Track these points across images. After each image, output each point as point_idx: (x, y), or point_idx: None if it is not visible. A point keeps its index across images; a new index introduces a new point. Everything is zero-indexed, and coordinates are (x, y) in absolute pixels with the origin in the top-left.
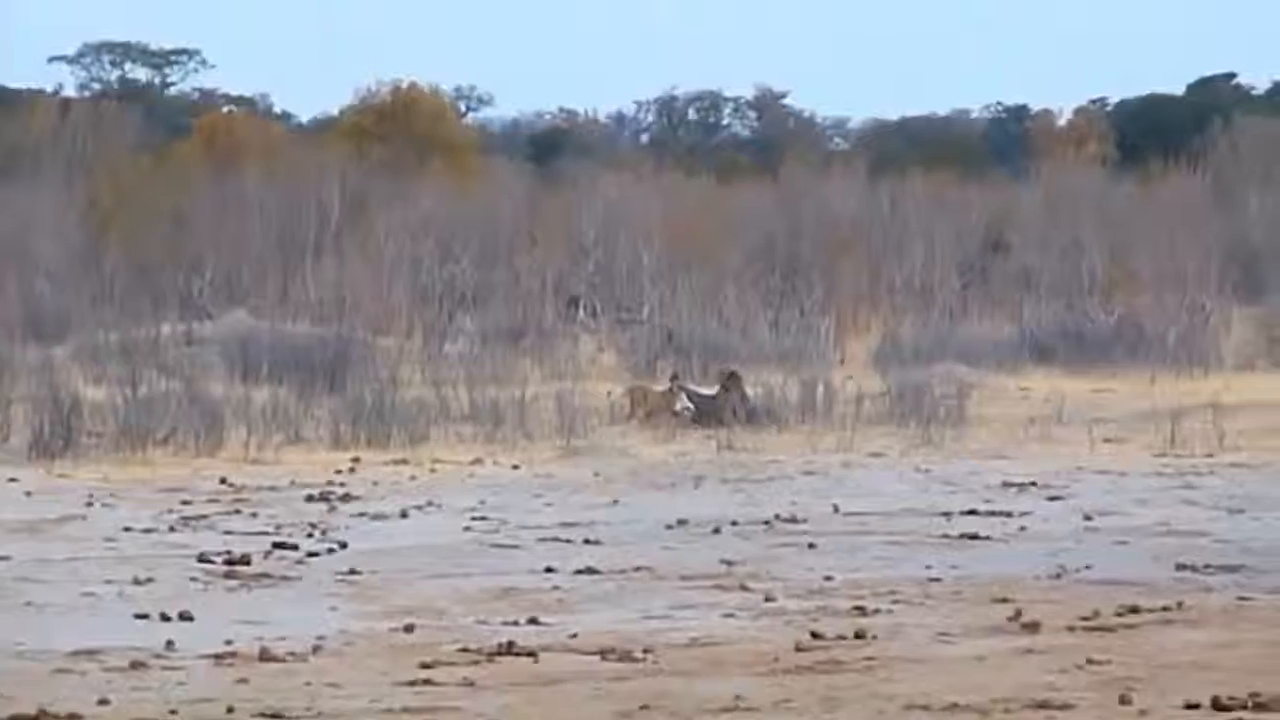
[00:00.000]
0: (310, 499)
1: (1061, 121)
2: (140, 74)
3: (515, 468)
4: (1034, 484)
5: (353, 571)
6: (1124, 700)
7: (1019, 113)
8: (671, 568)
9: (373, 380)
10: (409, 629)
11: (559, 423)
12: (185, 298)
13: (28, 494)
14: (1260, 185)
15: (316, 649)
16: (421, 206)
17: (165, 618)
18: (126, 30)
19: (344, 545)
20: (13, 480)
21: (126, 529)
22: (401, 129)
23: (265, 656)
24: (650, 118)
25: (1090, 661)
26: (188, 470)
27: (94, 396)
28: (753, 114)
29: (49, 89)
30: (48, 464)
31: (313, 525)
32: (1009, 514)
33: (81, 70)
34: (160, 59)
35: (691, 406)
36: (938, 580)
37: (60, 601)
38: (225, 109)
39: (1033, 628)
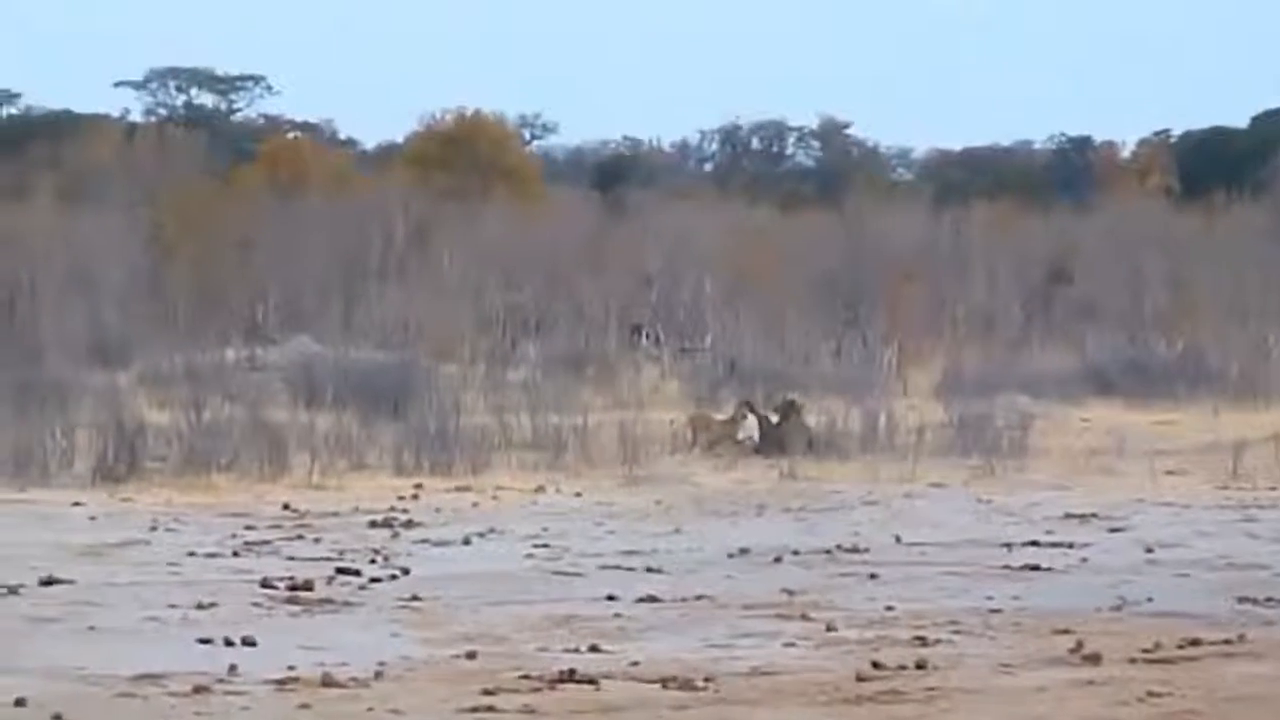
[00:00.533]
0: (373, 525)
1: (1125, 153)
2: (206, 99)
3: (577, 495)
4: (1095, 515)
5: (415, 598)
6: None
7: (1082, 144)
8: (733, 596)
9: (436, 407)
10: (471, 655)
11: (621, 451)
12: (249, 323)
13: (92, 518)
14: None
15: (378, 675)
16: (485, 234)
17: (228, 642)
18: (192, 56)
19: (406, 571)
20: (77, 504)
21: (190, 553)
22: (465, 156)
23: (327, 682)
24: (714, 147)
25: (1151, 694)
26: (251, 495)
27: (158, 421)
28: (816, 144)
29: (115, 114)
30: (112, 488)
31: (375, 551)
32: (1070, 545)
33: (148, 95)
34: (226, 84)
35: (755, 434)
36: (999, 611)
37: (123, 625)
38: (290, 135)
39: (1093, 659)
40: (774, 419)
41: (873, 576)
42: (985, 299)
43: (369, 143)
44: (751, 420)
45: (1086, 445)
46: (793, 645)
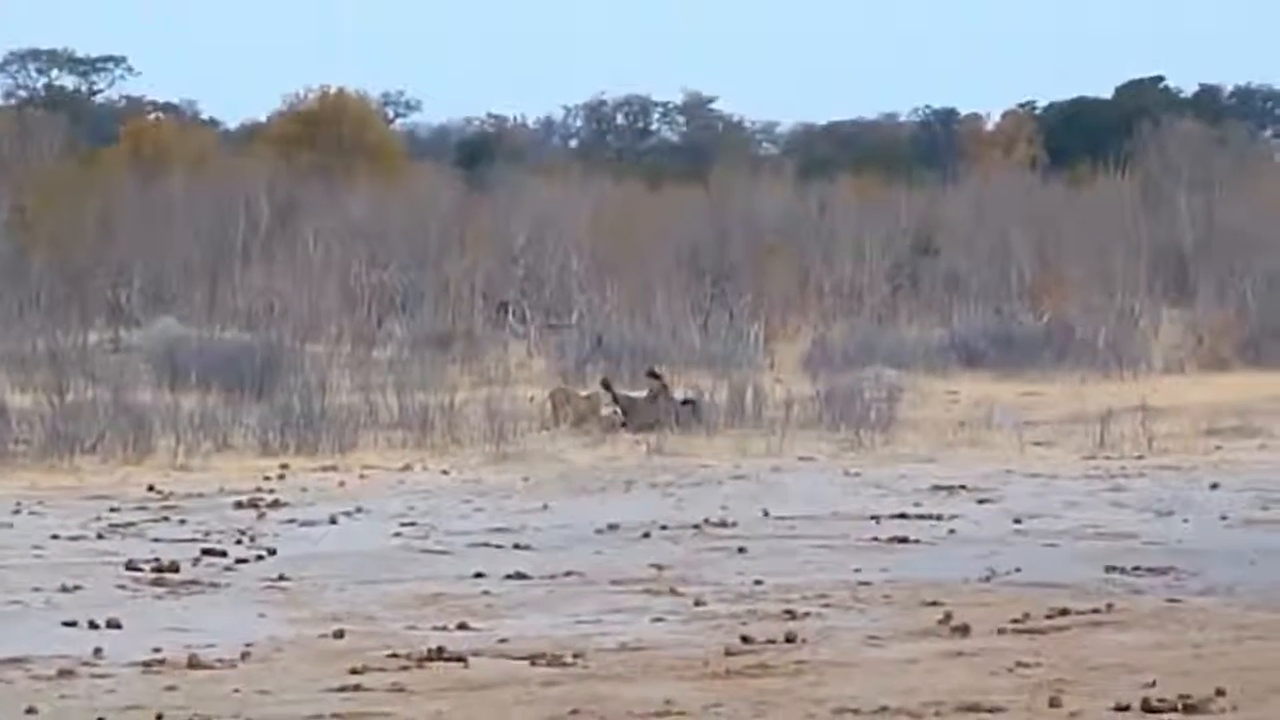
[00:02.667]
0: (239, 506)
1: (990, 125)
2: (67, 81)
3: (444, 473)
4: (963, 487)
5: (282, 578)
6: (1054, 703)
7: (947, 116)
8: (601, 572)
9: (301, 387)
10: (338, 635)
11: (488, 428)
12: (113, 305)
13: None
14: (1188, 188)
15: (245, 656)
16: (350, 213)
17: (93, 625)
18: (53, 37)
19: (273, 552)
20: None
21: (54, 536)
22: (329, 135)
23: (194, 664)
24: (579, 123)
25: (1020, 664)
26: (116, 478)
27: (21, 404)
28: (681, 119)
29: None
30: None
31: (241, 532)
32: (939, 517)
33: (7, 78)
34: (87, 66)
35: (618, 409)
36: (868, 584)
37: None
38: (152, 116)
39: (963, 631)
40: (638, 396)
41: (741, 551)
42: (851, 273)
43: (232, 123)
44: (606, 397)
45: (954, 417)
46: (661, 620)
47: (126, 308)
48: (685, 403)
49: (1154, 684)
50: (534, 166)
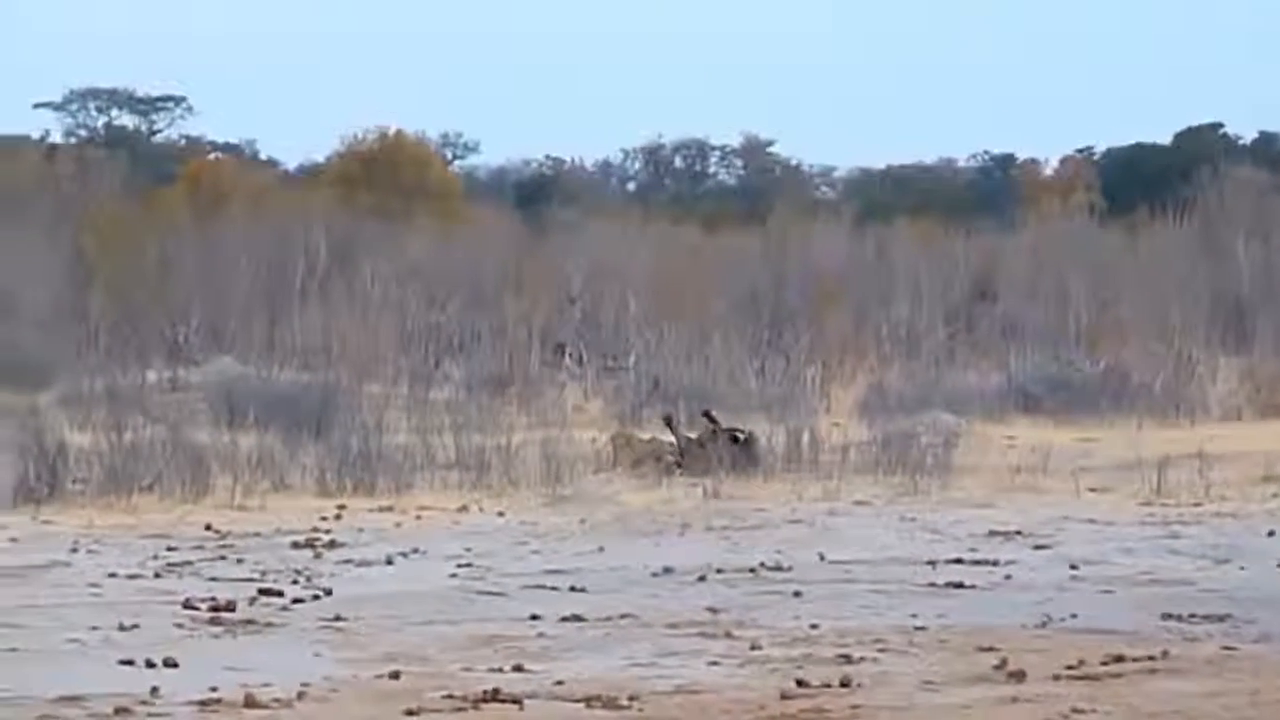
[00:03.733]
0: (295, 546)
1: (1048, 170)
2: (126, 120)
3: (500, 515)
4: (1019, 533)
5: (338, 618)
6: None
7: (1005, 162)
8: (657, 615)
9: (359, 427)
10: (394, 676)
11: (544, 470)
12: (171, 344)
13: (13, 540)
14: (1247, 235)
15: (301, 695)
16: (408, 253)
17: (150, 664)
18: (113, 77)
19: (329, 592)
20: None
21: (111, 575)
22: (388, 176)
23: (250, 703)
24: (637, 166)
25: (1075, 710)
26: (173, 516)
27: (79, 443)
28: (739, 162)
29: (35, 135)
30: (33, 510)
31: (298, 572)
32: (994, 563)
33: (68, 117)
34: (146, 105)
35: (678, 447)
36: (923, 629)
37: (44, 648)
38: (211, 155)
39: (1018, 676)
40: (690, 436)
41: (797, 594)
42: (909, 317)
43: (291, 163)
44: (668, 435)
45: (1011, 463)
46: (717, 664)
47: (185, 347)
48: (734, 440)
49: None
50: (592, 209)
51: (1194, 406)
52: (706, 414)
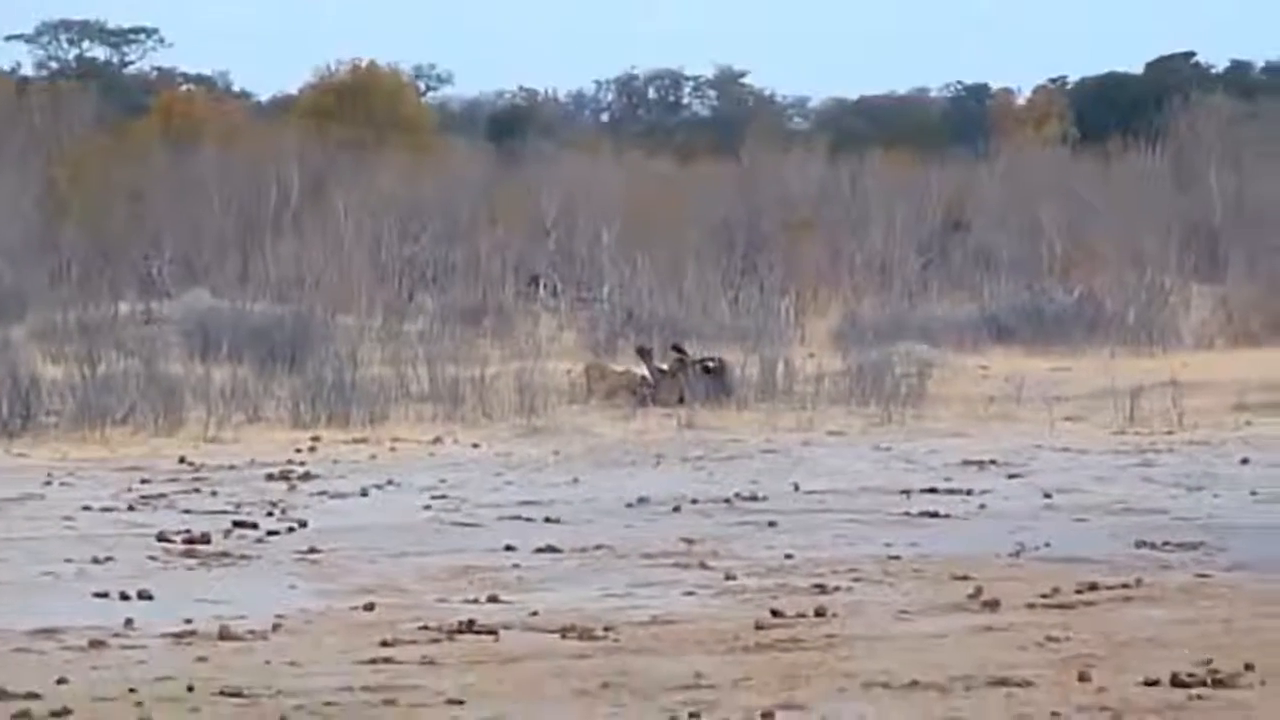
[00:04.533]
0: (270, 478)
1: (1021, 100)
2: (98, 53)
3: (475, 446)
4: (993, 462)
5: (312, 550)
6: (1083, 677)
7: (978, 92)
8: (631, 546)
9: (333, 359)
10: (369, 607)
11: (519, 402)
12: (144, 277)
13: None
14: (1219, 164)
15: (276, 627)
16: (381, 186)
17: (124, 596)
18: (84, 8)
19: (304, 524)
20: None
21: (85, 508)
22: (360, 108)
23: (225, 635)
24: (610, 97)
25: (1049, 639)
26: (147, 449)
27: (52, 375)
28: (713, 93)
29: (6, 68)
30: (6, 443)
31: (272, 504)
32: (969, 492)
33: (39, 49)
34: (118, 37)
35: (651, 378)
36: (897, 558)
37: (18, 580)
38: (184, 87)
39: (992, 605)
40: (661, 368)
41: (771, 525)
42: (882, 248)
43: (263, 95)
44: (642, 365)
45: (984, 392)
46: (692, 594)
47: (158, 279)
48: (706, 370)
49: (1183, 659)
50: (565, 140)
51: (1167, 335)
52: (675, 347)
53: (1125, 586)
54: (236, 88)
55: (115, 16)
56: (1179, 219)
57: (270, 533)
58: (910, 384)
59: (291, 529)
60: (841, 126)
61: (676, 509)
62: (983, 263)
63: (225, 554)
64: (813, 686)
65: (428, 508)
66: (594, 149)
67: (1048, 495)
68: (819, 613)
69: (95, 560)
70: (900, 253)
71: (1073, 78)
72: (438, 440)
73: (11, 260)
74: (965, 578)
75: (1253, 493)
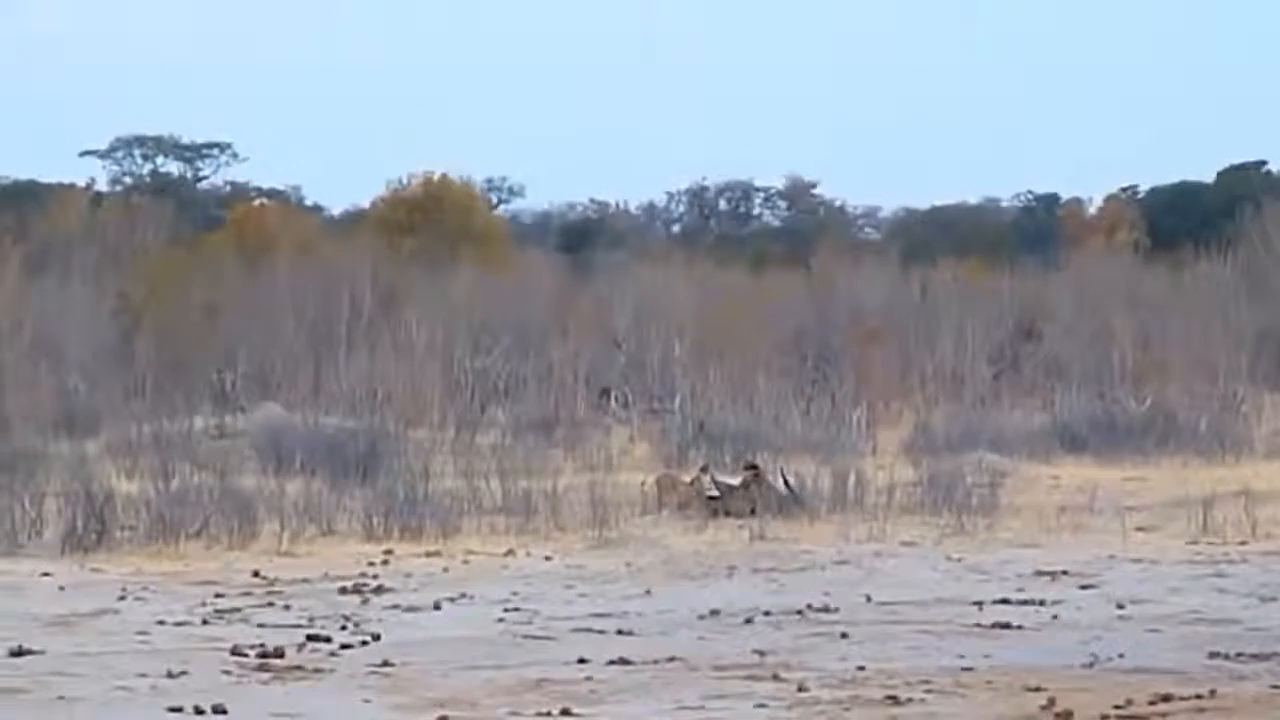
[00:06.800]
0: (343, 591)
1: (1092, 209)
2: (172, 167)
3: (548, 559)
4: (1066, 573)
5: (386, 663)
6: None
7: (1049, 201)
8: (704, 658)
9: (405, 472)
10: None
11: (591, 513)
12: (218, 391)
13: (61, 588)
14: None
15: None
16: (453, 298)
17: (199, 711)
18: (158, 124)
19: (377, 637)
20: (46, 574)
21: (159, 622)
22: (433, 220)
23: None
24: (681, 208)
25: None
26: (220, 563)
27: (127, 490)
28: (783, 204)
29: (81, 183)
30: (81, 557)
31: (346, 617)
32: (1041, 603)
33: (113, 164)
34: (192, 152)
35: (716, 493)
36: (970, 669)
37: (93, 696)
38: (257, 201)
39: (1065, 717)
40: (734, 484)
41: (844, 636)
42: (953, 357)
43: (336, 208)
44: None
45: (1057, 502)
46: (764, 706)
47: (231, 394)
48: (787, 485)
49: None
50: (637, 252)
51: (1240, 444)
52: (749, 464)
53: (1199, 698)
54: (309, 201)
55: (189, 132)
56: (1251, 327)
57: (344, 646)
58: (982, 494)
59: (365, 642)
60: (912, 236)
61: (749, 620)
62: (1054, 372)
63: (299, 668)
64: None
65: (500, 620)
66: (665, 260)
67: (1120, 606)
68: None
69: (170, 675)
70: (971, 362)
71: (1144, 187)
72: (510, 553)
73: (86, 375)
74: (1038, 689)
75: None
